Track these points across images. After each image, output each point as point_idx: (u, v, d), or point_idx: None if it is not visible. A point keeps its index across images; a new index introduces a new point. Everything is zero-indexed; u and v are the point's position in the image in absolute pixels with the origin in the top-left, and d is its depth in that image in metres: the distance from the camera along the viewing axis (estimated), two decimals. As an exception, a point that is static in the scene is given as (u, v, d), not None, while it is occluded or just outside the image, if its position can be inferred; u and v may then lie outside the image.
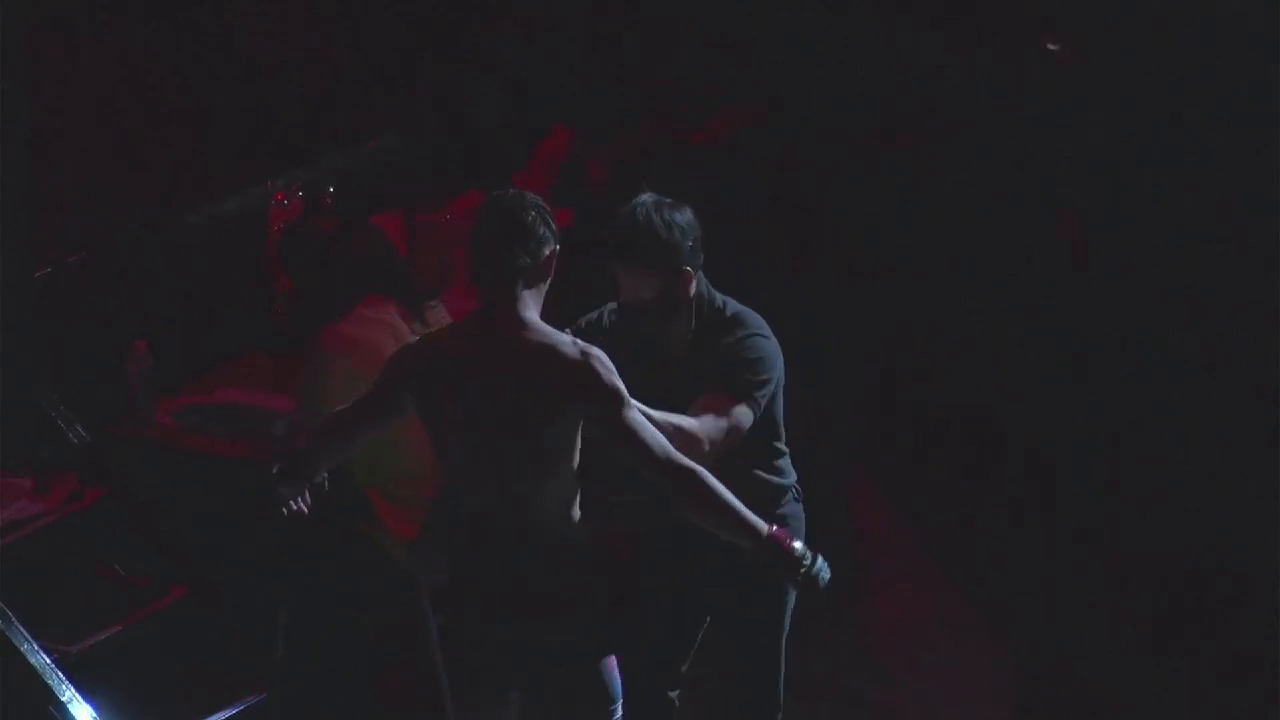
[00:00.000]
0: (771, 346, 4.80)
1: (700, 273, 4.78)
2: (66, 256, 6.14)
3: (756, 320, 4.83)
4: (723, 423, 4.67)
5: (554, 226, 4.48)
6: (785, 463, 4.92)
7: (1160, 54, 6.72)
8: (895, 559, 6.59)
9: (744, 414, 4.72)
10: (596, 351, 4.40)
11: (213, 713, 5.25)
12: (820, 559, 4.47)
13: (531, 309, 4.45)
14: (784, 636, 4.99)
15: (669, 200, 4.75)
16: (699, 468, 4.45)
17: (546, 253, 4.45)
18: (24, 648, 4.83)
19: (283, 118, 6.80)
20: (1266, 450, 6.19)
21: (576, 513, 4.56)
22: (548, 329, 4.44)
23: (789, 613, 4.97)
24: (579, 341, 4.42)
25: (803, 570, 4.46)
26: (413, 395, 4.57)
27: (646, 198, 4.74)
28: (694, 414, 4.66)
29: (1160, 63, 6.72)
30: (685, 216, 4.73)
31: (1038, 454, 6.86)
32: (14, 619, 4.85)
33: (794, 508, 4.92)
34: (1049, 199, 7.14)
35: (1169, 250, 6.76)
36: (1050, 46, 7.20)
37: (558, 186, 7.03)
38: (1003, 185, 7.17)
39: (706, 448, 4.63)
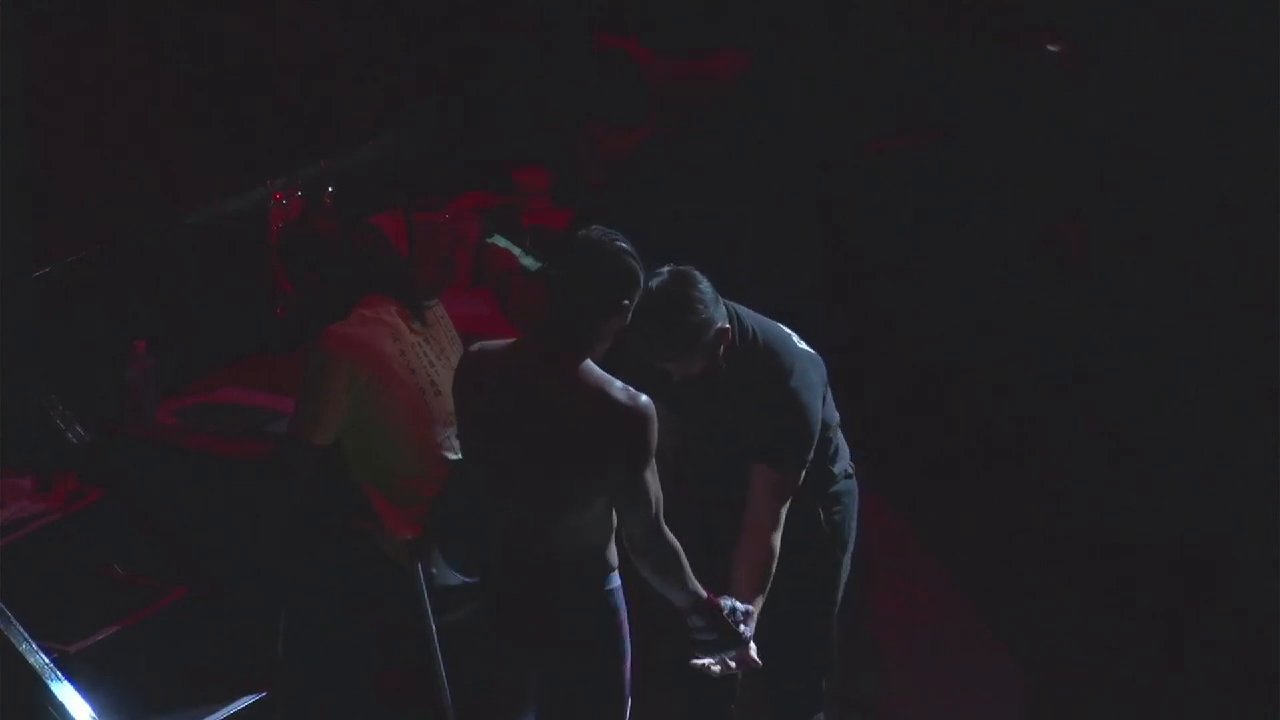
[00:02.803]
0: (808, 396, 4.83)
1: (722, 304, 4.79)
2: (66, 256, 6.13)
3: (788, 355, 4.85)
4: (777, 501, 4.80)
5: (639, 276, 4.41)
6: (836, 449, 5.01)
7: (1160, 54, 6.71)
8: (896, 559, 6.59)
9: (794, 482, 4.83)
10: (644, 400, 4.36)
11: (212, 712, 5.24)
12: (743, 612, 4.66)
13: (595, 354, 4.41)
14: (837, 604, 5.10)
15: (670, 277, 4.71)
16: (679, 548, 4.51)
17: (626, 302, 4.41)
18: (23, 647, 4.82)
19: (283, 118, 6.79)
20: (1271, 452, 6.18)
21: (613, 554, 4.54)
22: (601, 372, 4.39)
23: (842, 580, 5.08)
24: (630, 389, 4.37)
25: (732, 624, 4.64)
26: (458, 401, 4.57)
27: (654, 288, 4.65)
28: (752, 499, 4.80)
29: (1160, 63, 6.72)
30: (697, 286, 4.72)
31: (1040, 454, 6.86)
32: (13, 618, 4.85)
33: (846, 484, 5.05)
34: (1049, 199, 7.14)
35: (1169, 250, 6.76)
36: (1050, 47, 7.19)
37: (557, 186, 7.04)
38: (1002, 185, 7.17)
39: (776, 529, 4.81)
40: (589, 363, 4.39)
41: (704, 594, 4.60)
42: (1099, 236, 7.10)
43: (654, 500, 4.43)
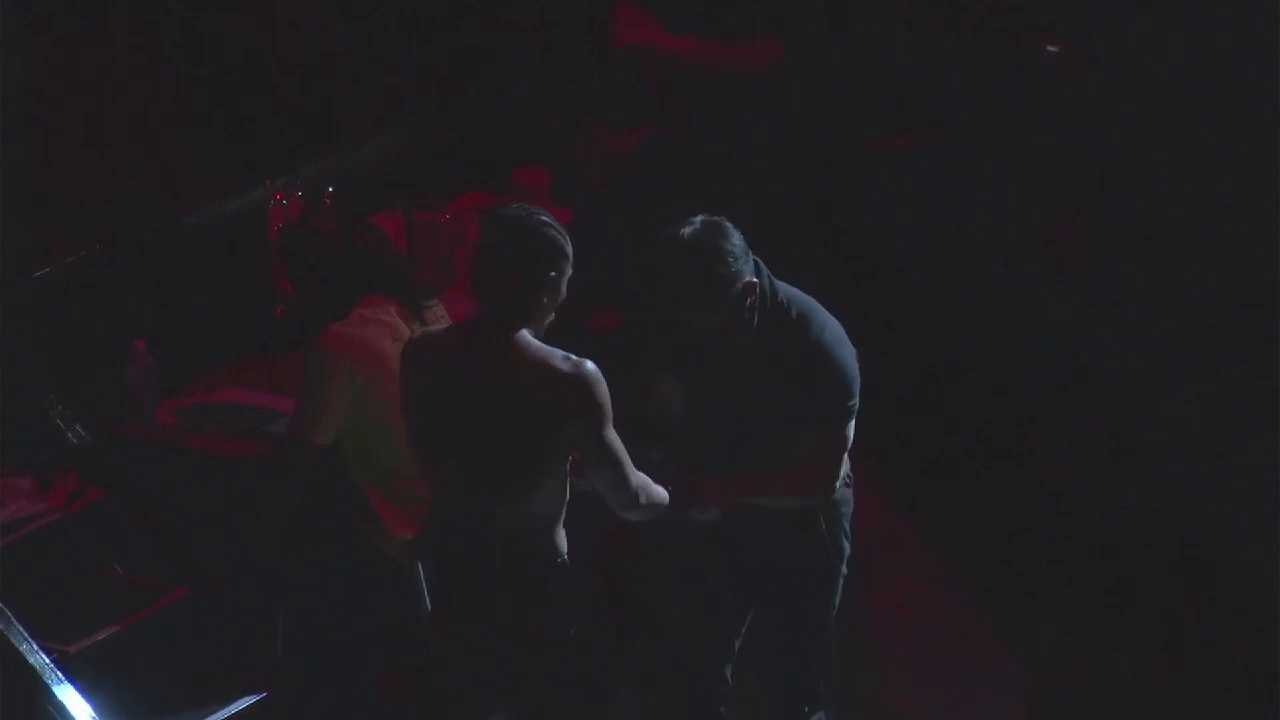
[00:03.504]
0: (846, 351, 4.83)
1: (755, 262, 4.78)
2: (66, 256, 6.13)
3: (820, 317, 4.84)
4: (835, 456, 4.83)
5: (568, 249, 4.45)
6: None
7: (1160, 54, 6.71)
8: (896, 558, 6.59)
9: (847, 436, 4.84)
10: (590, 366, 4.38)
11: (212, 712, 5.24)
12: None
13: (532, 327, 4.42)
14: (834, 610, 5.08)
15: (702, 225, 4.70)
16: (654, 487, 4.57)
17: (553, 274, 4.42)
18: (23, 647, 4.82)
19: (283, 118, 6.79)
20: (1271, 452, 6.18)
21: (561, 536, 4.54)
22: (541, 344, 4.41)
23: (840, 587, 5.07)
24: (571, 357, 4.39)
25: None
26: (403, 391, 4.57)
27: (685, 235, 4.66)
28: (806, 456, 4.80)
29: (1160, 63, 6.71)
30: (728, 237, 4.69)
31: (1040, 454, 6.86)
32: (13, 618, 4.85)
33: (843, 493, 5.02)
34: (1049, 199, 7.13)
35: (1169, 250, 6.75)
36: (1050, 47, 7.19)
37: (557, 186, 7.03)
38: (1002, 185, 7.16)
39: (833, 487, 4.85)
40: (528, 337, 4.40)
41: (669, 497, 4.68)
42: (1099, 236, 7.09)
43: (624, 457, 4.46)
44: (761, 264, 4.80)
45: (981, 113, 7.18)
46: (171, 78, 6.57)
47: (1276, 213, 6.29)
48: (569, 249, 4.44)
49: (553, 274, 4.41)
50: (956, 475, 6.87)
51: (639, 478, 4.54)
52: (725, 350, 4.79)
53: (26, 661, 4.80)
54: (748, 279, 4.71)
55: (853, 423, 4.85)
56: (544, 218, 4.43)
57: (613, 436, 4.42)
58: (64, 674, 4.86)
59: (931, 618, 6.41)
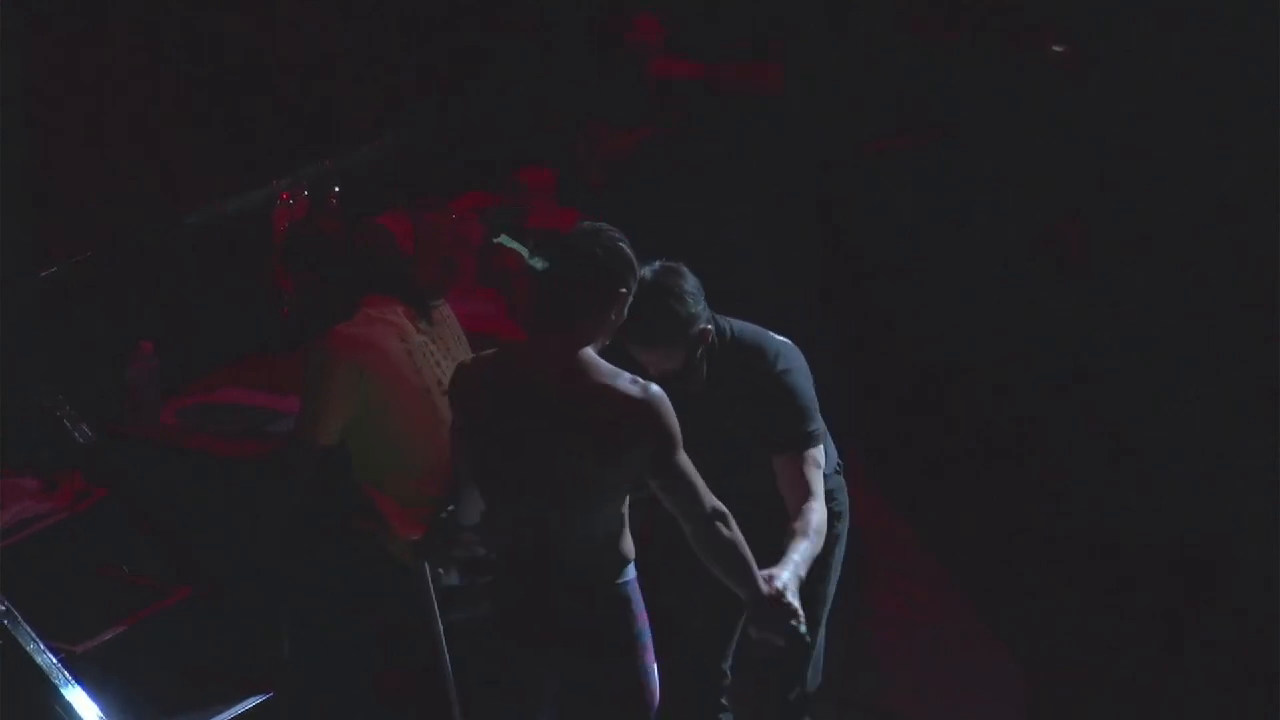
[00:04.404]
0: (797, 377, 4.83)
1: (705, 304, 4.79)
2: (68, 256, 6.13)
3: (770, 344, 4.86)
4: (813, 472, 4.77)
5: (635, 266, 4.38)
6: (827, 443, 4.97)
7: (1160, 54, 6.73)
8: (896, 558, 6.59)
9: (818, 458, 4.80)
10: (657, 390, 4.30)
11: (217, 712, 5.24)
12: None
13: (594, 345, 4.35)
14: (827, 608, 5.04)
15: (661, 267, 4.73)
16: (729, 515, 4.40)
17: (623, 290, 4.35)
18: (30, 647, 4.81)
19: (283, 118, 6.80)
20: (1271, 452, 6.19)
21: (628, 549, 4.46)
22: (608, 366, 4.33)
23: (832, 585, 5.04)
24: (639, 380, 4.32)
25: (793, 624, 4.43)
26: (458, 415, 4.52)
27: (645, 276, 4.63)
28: (786, 484, 4.75)
29: (1160, 63, 6.73)
30: (687, 280, 4.73)
31: (1040, 454, 6.87)
32: (20, 618, 4.84)
33: (836, 480, 5.00)
34: (1049, 199, 7.15)
35: (1169, 250, 6.77)
36: (1055, 48, 7.21)
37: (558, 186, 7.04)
38: (1002, 185, 7.18)
39: (820, 497, 4.75)
40: (593, 357, 4.33)
41: (765, 589, 4.43)
42: (1099, 236, 7.11)
43: (697, 479, 4.35)
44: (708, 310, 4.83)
45: (981, 113, 7.19)
46: (171, 78, 6.57)
47: (1276, 213, 6.31)
48: (637, 265, 4.40)
49: (623, 290, 4.35)
50: (956, 475, 6.89)
51: (715, 503, 4.40)
52: (682, 394, 4.80)
53: (34, 662, 4.79)
54: (703, 325, 4.74)
55: (819, 444, 4.82)
56: (614, 232, 4.36)
57: (684, 459, 4.33)
58: (71, 673, 4.85)
59: (931, 618, 6.41)
